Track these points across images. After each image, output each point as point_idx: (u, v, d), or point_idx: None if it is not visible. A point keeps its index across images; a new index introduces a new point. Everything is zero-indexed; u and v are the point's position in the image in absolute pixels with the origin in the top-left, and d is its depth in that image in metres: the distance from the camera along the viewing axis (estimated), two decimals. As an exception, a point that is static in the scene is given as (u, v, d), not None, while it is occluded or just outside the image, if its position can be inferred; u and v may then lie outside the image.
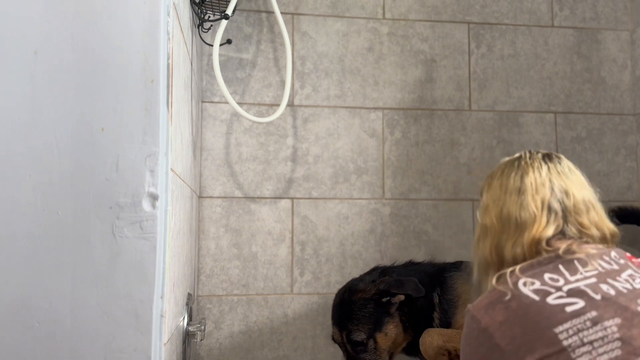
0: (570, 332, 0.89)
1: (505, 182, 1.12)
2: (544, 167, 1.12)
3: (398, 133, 1.97)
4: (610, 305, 0.91)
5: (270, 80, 1.92)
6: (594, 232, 1.08)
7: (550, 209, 1.07)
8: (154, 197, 0.91)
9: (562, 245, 1.04)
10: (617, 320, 0.89)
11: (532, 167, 1.12)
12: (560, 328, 0.89)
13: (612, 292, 0.94)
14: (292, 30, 1.94)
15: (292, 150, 1.91)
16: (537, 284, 0.97)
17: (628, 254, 1.07)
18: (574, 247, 1.03)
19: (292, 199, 1.90)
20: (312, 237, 1.89)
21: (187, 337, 1.31)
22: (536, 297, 0.94)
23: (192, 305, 1.46)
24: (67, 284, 0.89)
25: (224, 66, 1.88)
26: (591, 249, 1.04)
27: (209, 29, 1.76)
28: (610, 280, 0.96)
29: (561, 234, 1.06)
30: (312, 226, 1.90)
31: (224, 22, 1.59)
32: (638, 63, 2.09)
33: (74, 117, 0.91)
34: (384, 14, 2.00)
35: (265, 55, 1.93)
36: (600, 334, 0.87)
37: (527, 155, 1.15)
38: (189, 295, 1.42)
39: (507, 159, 1.19)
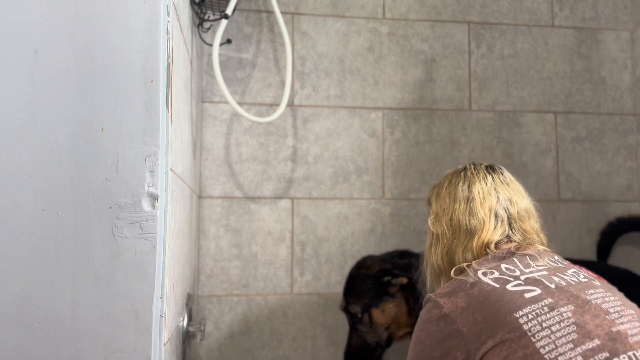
0: (530, 316, 0.93)
1: (453, 191, 1.20)
2: (489, 177, 1.20)
3: (398, 133, 1.97)
4: (563, 293, 0.97)
5: (270, 80, 1.92)
6: (535, 237, 1.16)
7: (497, 216, 1.15)
8: (153, 197, 0.91)
9: (511, 245, 1.12)
10: (571, 307, 0.94)
11: (478, 177, 1.20)
12: (520, 312, 0.94)
13: (563, 282, 1.00)
14: (292, 30, 1.94)
15: (292, 150, 1.91)
16: (496, 274, 1.02)
17: (566, 261, 1.15)
18: (523, 245, 1.12)
19: (292, 199, 1.90)
20: (312, 237, 1.89)
21: (187, 337, 1.31)
22: (496, 285, 1.00)
23: (192, 305, 1.46)
24: (67, 284, 0.89)
25: (224, 66, 1.88)
26: (538, 246, 1.13)
27: (209, 28, 1.77)
28: (559, 274, 1.03)
29: (507, 238, 1.14)
30: (312, 226, 1.90)
31: (224, 22, 1.59)
32: (638, 63, 2.09)
33: (74, 117, 0.91)
34: (384, 14, 2.00)
35: (265, 55, 1.93)
36: (557, 319, 0.92)
37: (472, 166, 1.24)
38: (189, 295, 1.42)
39: (452, 170, 1.28)
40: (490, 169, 1.24)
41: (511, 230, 1.15)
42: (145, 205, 0.91)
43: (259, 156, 1.89)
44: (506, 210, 1.16)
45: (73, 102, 0.91)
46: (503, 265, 1.05)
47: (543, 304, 0.95)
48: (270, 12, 1.94)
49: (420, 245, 1.94)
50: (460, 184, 1.20)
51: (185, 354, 1.29)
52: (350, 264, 1.90)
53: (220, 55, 1.86)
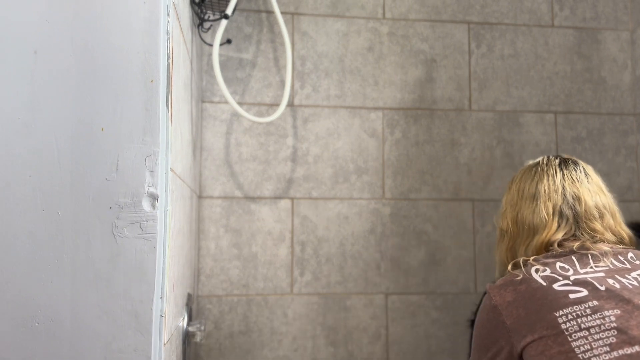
0: (570, 317, 0.94)
1: (522, 187, 1.20)
2: (559, 174, 1.17)
3: (398, 133, 1.97)
4: (613, 297, 0.96)
5: (270, 80, 1.92)
6: (609, 236, 1.13)
7: (561, 215, 1.13)
8: (153, 197, 0.91)
9: (576, 243, 1.09)
10: (617, 312, 0.94)
11: (547, 174, 1.18)
12: (560, 312, 0.95)
13: (617, 285, 0.98)
14: (292, 30, 1.94)
15: (292, 150, 1.91)
16: (548, 271, 1.03)
17: None
18: (588, 244, 1.09)
19: (292, 199, 1.90)
20: (312, 237, 1.89)
21: (187, 337, 1.31)
22: (543, 283, 1.01)
23: (192, 305, 1.46)
24: (67, 284, 0.89)
25: (224, 66, 1.88)
26: (605, 246, 1.09)
27: (209, 28, 1.76)
28: (617, 276, 1.01)
29: (573, 237, 1.12)
30: (312, 226, 1.90)
31: (224, 22, 1.59)
32: (638, 63, 2.09)
33: (74, 117, 0.91)
34: (384, 13, 2.00)
35: (265, 55, 1.93)
36: (598, 322, 0.93)
37: (545, 161, 1.22)
38: (189, 295, 1.42)
39: (528, 163, 1.26)
40: (564, 163, 1.20)
41: (578, 229, 1.12)
42: (145, 205, 0.91)
43: (259, 156, 1.89)
44: (572, 208, 1.14)
45: (73, 102, 0.91)
46: (558, 264, 1.04)
47: (586, 306, 0.95)
48: (270, 12, 1.94)
49: (420, 245, 1.94)
50: (529, 180, 1.19)
51: (185, 354, 1.29)
52: (350, 264, 1.90)
53: (220, 55, 1.86)
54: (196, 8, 1.62)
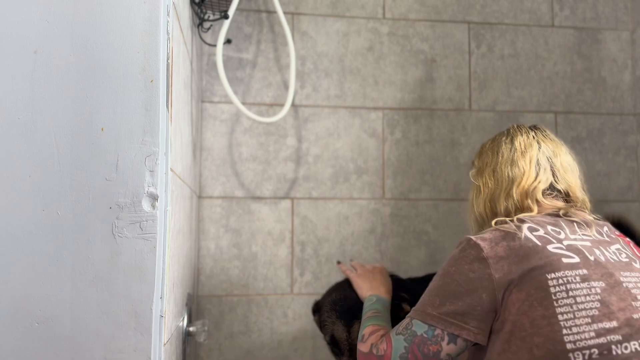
0: (560, 281, 0.97)
1: (496, 146, 1.24)
2: (531, 133, 1.23)
3: (398, 133, 1.97)
4: (600, 268, 1.00)
5: (271, 80, 1.92)
6: (579, 194, 1.19)
7: (538, 164, 1.17)
8: (153, 197, 0.91)
9: (560, 205, 1.14)
10: (602, 284, 0.97)
11: (521, 132, 1.24)
12: (552, 275, 0.98)
13: (602, 258, 1.02)
14: (292, 30, 1.94)
15: (292, 150, 1.91)
16: (541, 231, 1.05)
17: (617, 232, 1.16)
18: (572, 210, 1.13)
19: (292, 199, 1.90)
20: (312, 237, 1.89)
21: (187, 338, 1.31)
22: (538, 242, 1.03)
23: (192, 305, 1.46)
24: (67, 284, 0.89)
25: (224, 66, 1.88)
26: (587, 215, 1.14)
27: (209, 28, 1.76)
28: (601, 247, 1.05)
29: (551, 188, 1.16)
30: (312, 226, 1.90)
31: (226, 22, 1.59)
32: (638, 63, 2.09)
33: (74, 117, 0.91)
34: (384, 13, 2.00)
35: (266, 55, 1.93)
36: (585, 291, 0.96)
37: (516, 125, 1.28)
38: (189, 295, 1.42)
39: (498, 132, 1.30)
40: (534, 127, 1.27)
41: (555, 178, 1.17)
42: (145, 205, 0.91)
43: (259, 156, 1.89)
44: (549, 159, 1.18)
45: (73, 102, 0.91)
46: (549, 227, 1.07)
47: (576, 273, 0.98)
48: (270, 12, 1.94)
49: (420, 246, 1.94)
50: (503, 138, 1.24)
51: (185, 354, 1.29)
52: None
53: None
54: (196, 8, 1.62)
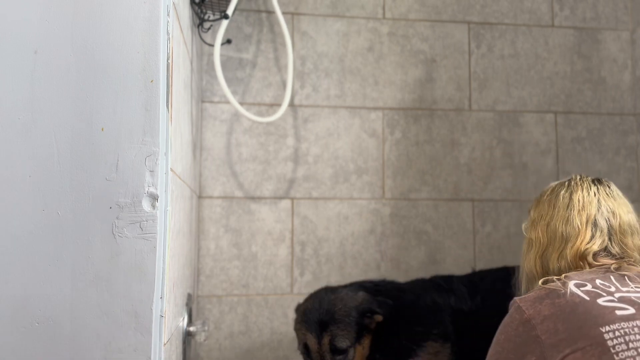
0: (617, 333, 0.89)
1: (554, 199, 1.17)
2: (593, 188, 1.17)
3: (398, 133, 1.97)
4: None
5: (271, 80, 1.92)
6: (637, 256, 1.11)
7: (595, 225, 1.11)
8: (153, 197, 0.91)
9: (611, 262, 1.07)
10: None
11: (582, 187, 1.17)
12: (607, 328, 0.90)
13: None
14: (292, 30, 1.94)
15: (292, 150, 1.91)
16: (589, 287, 0.98)
17: None
18: (624, 265, 1.06)
19: (292, 199, 1.90)
20: (312, 237, 1.89)
21: (187, 338, 1.31)
22: (586, 297, 0.96)
23: (192, 305, 1.46)
24: (67, 284, 0.88)
25: (224, 66, 1.88)
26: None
27: (209, 28, 1.76)
28: None
29: (605, 251, 1.10)
30: (312, 226, 1.90)
31: (225, 22, 1.59)
32: (638, 63, 2.09)
33: (74, 117, 0.91)
34: (384, 13, 2.00)
35: (266, 55, 1.93)
36: None
37: (578, 177, 1.21)
38: (189, 295, 1.42)
39: (558, 181, 1.24)
40: (597, 181, 1.20)
41: (610, 242, 1.11)
42: (145, 205, 0.91)
43: (259, 156, 1.89)
44: (607, 220, 1.13)
45: (73, 102, 0.91)
46: (598, 281, 1.01)
47: (634, 324, 0.90)
48: (270, 12, 1.94)
49: (420, 246, 1.94)
50: (562, 191, 1.18)
51: (185, 354, 1.29)
52: (350, 264, 1.90)
53: (220, 55, 1.86)
54: (196, 8, 1.62)
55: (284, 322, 1.86)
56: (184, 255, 1.34)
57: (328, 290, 1.48)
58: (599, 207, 1.13)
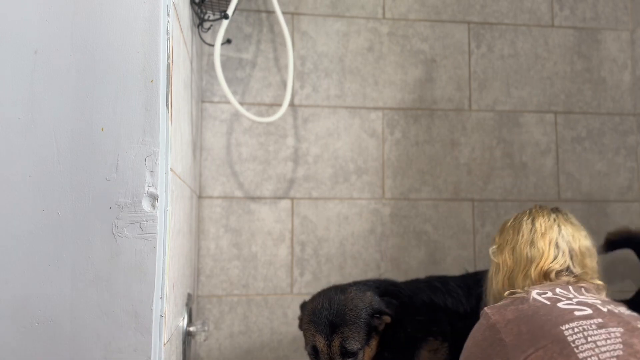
0: (576, 329, 0.97)
1: (517, 225, 1.28)
2: (552, 215, 1.28)
3: (398, 133, 1.97)
4: (615, 317, 1.00)
5: (270, 80, 1.92)
6: (594, 277, 1.21)
7: (557, 246, 1.22)
8: (153, 197, 0.91)
9: (571, 278, 1.18)
10: (620, 329, 0.97)
11: (542, 214, 1.28)
12: (567, 326, 0.97)
13: (616, 310, 1.04)
14: (292, 30, 1.94)
15: (292, 150, 1.91)
16: (550, 294, 1.08)
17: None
18: (581, 279, 1.18)
19: (292, 199, 1.90)
20: (312, 237, 1.89)
21: (187, 338, 1.31)
22: (547, 302, 1.05)
23: (192, 305, 1.46)
24: (67, 284, 0.89)
25: (224, 66, 1.88)
26: (597, 281, 1.20)
27: (209, 28, 1.76)
28: (612, 305, 1.08)
29: (567, 270, 1.20)
30: (312, 226, 1.90)
31: (225, 22, 1.59)
32: (638, 63, 2.09)
33: (74, 117, 0.91)
34: (384, 13, 2.00)
35: (265, 55, 1.93)
36: (604, 336, 0.95)
37: (538, 206, 1.32)
38: (189, 295, 1.42)
39: (520, 212, 1.35)
40: (556, 209, 1.30)
41: (572, 262, 1.21)
42: (145, 205, 0.91)
43: (259, 156, 1.89)
44: (568, 243, 1.22)
45: (73, 102, 0.91)
46: (558, 289, 1.10)
47: (592, 322, 0.98)
48: (270, 12, 1.94)
49: (420, 246, 1.94)
50: (525, 218, 1.28)
51: (185, 354, 1.29)
52: (350, 264, 1.90)
53: (220, 55, 1.86)
54: (196, 8, 1.62)
55: (284, 322, 1.86)
56: (184, 255, 1.34)
57: (337, 290, 1.44)
58: (559, 231, 1.23)
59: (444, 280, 1.59)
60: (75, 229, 0.89)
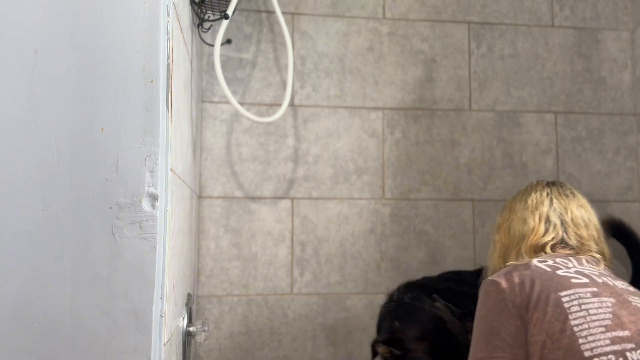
0: (573, 297, 1.04)
1: (514, 204, 1.32)
2: (546, 189, 1.30)
3: (398, 133, 1.97)
4: (609, 288, 1.07)
5: (271, 80, 1.92)
6: (593, 245, 1.23)
7: (548, 220, 1.24)
8: (153, 197, 0.91)
9: (568, 250, 1.21)
10: (612, 300, 1.04)
11: (536, 189, 1.31)
12: (565, 292, 1.04)
13: (611, 283, 1.10)
14: (292, 30, 1.94)
15: (292, 150, 1.91)
16: (550, 262, 1.13)
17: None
18: (580, 252, 1.21)
19: (292, 199, 1.90)
20: (312, 237, 1.89)
21: (187, 338, 1.31)
22: (547, 269, 1.11)
23: (192, 305, 1.46)
24: (67, 284, 0.88)
25: (224, 66, 1.88)
26: (596, 255, 1.22)
27: (209, 28, 1.76)
28: (609, 277, 1.13)
29: (562, 242, 1.22)
30: (312, 226, 1.90)
31: (225, 22, 1.59)
32: (638, 63, 2.09)
33: (74, 117, 0.91)
34: (384, 13, 2.00)
35: (265, 55, 1.93)
36: (596, 305, 1.02)
37: (535, 181, 1.36)
38: (189, 295, 1.42)
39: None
40: (551, 183, 1.33)
41: (566, 234, 1.23)
42: (145, 205, 0.91)
43: (259, 156, 1.89)
44: (560, 216, 1.24)
45: (73, 102, 0.91)
46: (558, 259, 1.15)
47: (587, 290, 1.05)
48: (270, 12, 1.94)
49: (420, 246, 1.94)
50: (520, 196, 1.32)
51: (185, 354, 1.29)
52: (350, 264, 1.90)
53: (220, 55, 1.86)
54: (196, 8, 1.62)
55: (284, 322, 1.86)
56: (184, 255, 1.34)
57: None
58: (550, 205, 1.25)
59: (456, 272, 1.73)
60: (75, 229, 0.89)
